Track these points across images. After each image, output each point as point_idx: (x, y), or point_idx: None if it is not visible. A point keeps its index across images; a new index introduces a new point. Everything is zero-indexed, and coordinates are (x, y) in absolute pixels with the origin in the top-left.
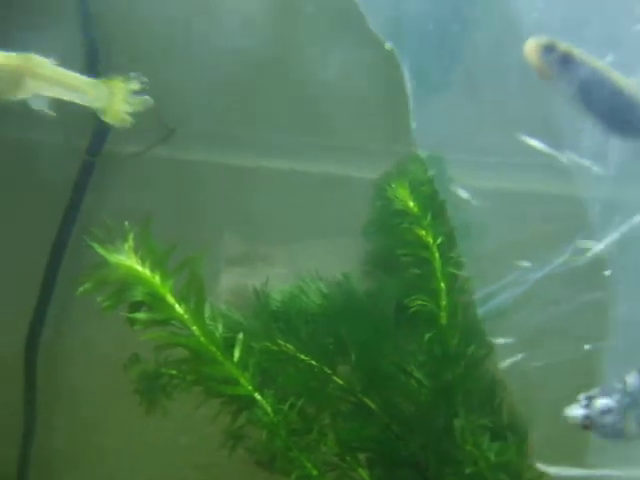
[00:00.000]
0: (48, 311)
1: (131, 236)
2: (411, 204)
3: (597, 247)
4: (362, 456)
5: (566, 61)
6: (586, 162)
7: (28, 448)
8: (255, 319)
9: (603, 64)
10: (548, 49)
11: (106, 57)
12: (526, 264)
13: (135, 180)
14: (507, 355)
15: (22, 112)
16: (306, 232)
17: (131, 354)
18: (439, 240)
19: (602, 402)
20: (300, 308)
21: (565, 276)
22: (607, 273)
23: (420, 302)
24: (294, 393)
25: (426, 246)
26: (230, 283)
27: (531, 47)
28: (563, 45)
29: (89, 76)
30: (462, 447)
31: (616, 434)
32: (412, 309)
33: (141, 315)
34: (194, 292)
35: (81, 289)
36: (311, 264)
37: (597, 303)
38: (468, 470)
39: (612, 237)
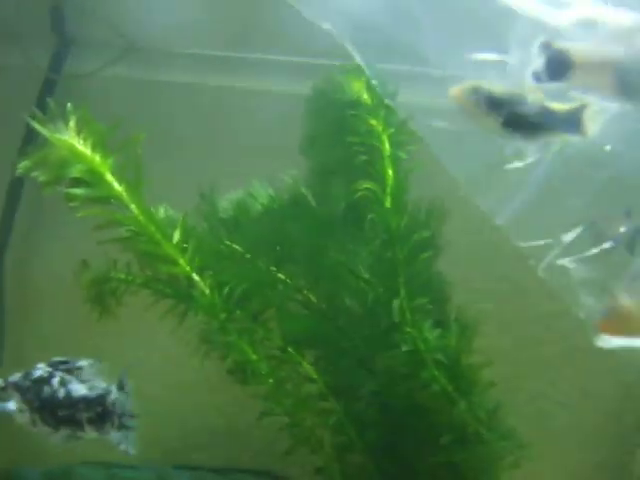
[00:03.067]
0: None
1: (73, 117)
2: (365, 95)
3: None
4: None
5: (491, 100)
6: None
7: None
8: (203, 221)
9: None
10: (473, 92)
11: None
12: None
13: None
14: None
15: None
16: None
17: (80, 261)
18: (390, 129)
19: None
20: (247, 210)
21: None
22: None
23: (367, 186)
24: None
25: (376, 134)
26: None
27: (457, 92)
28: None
29: None
30: (401, 329)
31: None
32: (358, 194)
33: (79, 190)
34: (133, 171)
35: (21, 167)
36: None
37: None
38: (405, 348)
39: None
